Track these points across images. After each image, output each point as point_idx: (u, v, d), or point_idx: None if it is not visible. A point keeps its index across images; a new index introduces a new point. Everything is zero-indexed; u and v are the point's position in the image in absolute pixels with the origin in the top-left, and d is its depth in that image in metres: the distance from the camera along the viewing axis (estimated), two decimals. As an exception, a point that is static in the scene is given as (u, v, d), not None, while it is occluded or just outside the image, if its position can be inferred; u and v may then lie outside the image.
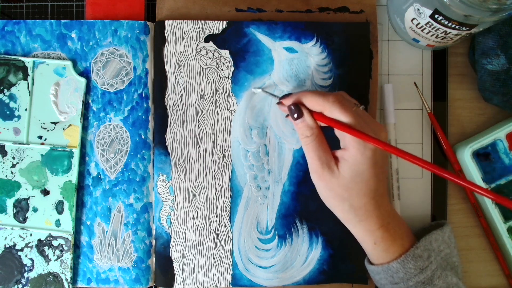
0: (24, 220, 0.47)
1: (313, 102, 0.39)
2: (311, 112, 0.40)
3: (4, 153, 0.47)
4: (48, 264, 0.46)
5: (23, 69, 0.47)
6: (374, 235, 0.39)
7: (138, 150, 0.47)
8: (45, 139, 0.47)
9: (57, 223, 0.46)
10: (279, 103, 0.44)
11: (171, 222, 0.47)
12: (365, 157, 0.37)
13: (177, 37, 0.47)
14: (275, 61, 0.47)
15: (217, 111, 0.47)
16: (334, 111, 0.38)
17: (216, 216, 0.47)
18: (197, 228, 0.47)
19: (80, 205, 0.47)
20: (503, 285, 0.49)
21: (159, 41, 0.47)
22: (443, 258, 0.41)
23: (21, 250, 0.47)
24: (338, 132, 0.40)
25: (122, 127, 0.47)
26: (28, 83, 0.47)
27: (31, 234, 0.47)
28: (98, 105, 0.47)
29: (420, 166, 0.36)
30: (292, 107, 0.40)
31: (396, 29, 0.48)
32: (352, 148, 0.38)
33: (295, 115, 0.40)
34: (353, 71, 0.47)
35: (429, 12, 0.40)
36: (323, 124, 0.40)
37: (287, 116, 0.43)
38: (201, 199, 0.47)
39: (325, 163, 0.39)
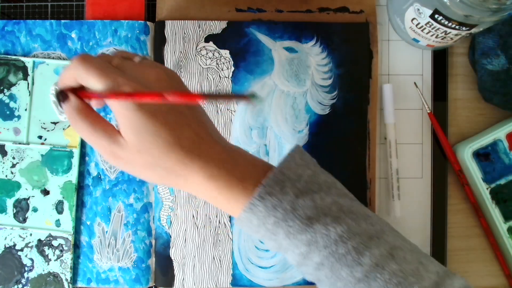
0: (24, 220, 0.47)
1: (69, 79, 0.33)
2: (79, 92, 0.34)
3: (4, 153, 0.47)
4: (48, 264, 0.46)
5: (23, 69, 0.47)
6: (208, 191, 0.33)
7: (138, 150, 0.47)
8: (45, 139, 0.47)
9: (57, 223, 0.46)
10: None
11: (171, 222, 0.47)
12: (130, 113, 0.31)
13: (177, 37, 0.47)
14: (275, 61, 0.47)
15: (217, 111, 0.47)
16: (85, 81, 0.32)
17: (216, 216, 0.47)
18: (197, 228, 0.47)
19: (80, 205, 0.47)
20: (503, 285, 0.49)
21: (159, 41, 0.47)
22: (307, 181, 0.33)
23: (21, 250, 0.46)
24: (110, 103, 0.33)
25: (122, 127, 0.47)
26: (28, 83, 0.47)
27: (31, 234, 0.46)
28: (98, 105, 0.47)
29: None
30: (59, 96, 0.34)
31: (396, 29, 0.48)
32: (115, 111, 0.32)
33: (61, 102, 0.34)
34: (353, 71, 0.47)
35: (429, 12, 0.40)
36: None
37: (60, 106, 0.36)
38: (201, 199, 0.47)
39: (109, 138, 0.32)
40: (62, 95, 0.34)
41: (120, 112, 0.31)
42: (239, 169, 0.33)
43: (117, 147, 0.32)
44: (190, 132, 0.32)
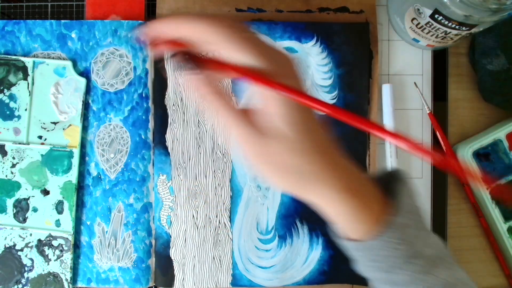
0: (24, 220, 0.47)
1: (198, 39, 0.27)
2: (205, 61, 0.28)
3: (4, 153, 0.47)
4: (48, 264, 0.46)
5: (23, 69, 0.47)
6: (344, 206, 0.30)
7: (138, 150, 0.47)
8: (45, 139, 0.47)
9: (57, 223, 0.46)
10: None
11: (171, 222, 0.47)
12: (291, 108, 0.27)
13: (177, 37, 0.47)
14: (275, 61, 0.47)
15: (217, 111, 0.47)
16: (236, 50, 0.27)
17: (216, 216, 0.47)
18: (197, 228, 0.47)
19: (80, 205, 0.47)
20: (503, 285, 0.49)
21: (159, 41, 0.47)
22: (420, 214, 0.33)
23: (21, 250, 0.46)
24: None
25: (122, 127, 0.47)
26: (28, 83, 0.47)
27: (31, 234, 0.46)
28: (98, 105, 0.47)
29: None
30: (181, 58, 0.28)
31: (396, 29, 0.48)
32: (278, 100, 0.27)
33: (188, 67, 0.28)
34: (353, 71, 0.47)
35: (429, 12, 0.40)
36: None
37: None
38: (201, 199, 0.47)
39: (257, 131, 0.28)
40: (187, 59, 0.27)
41: (281, 105, 0.27)
42: (367, 185, 0.31)
43: (267, 142, 0.28)
44: (328, 139, 0.30)
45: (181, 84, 0.47)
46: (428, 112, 0.48)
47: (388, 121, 0.48)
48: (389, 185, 0.32)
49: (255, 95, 0.28)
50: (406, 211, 0.31)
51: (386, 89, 0.48)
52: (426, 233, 0.32)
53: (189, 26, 0.27)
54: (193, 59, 0.27)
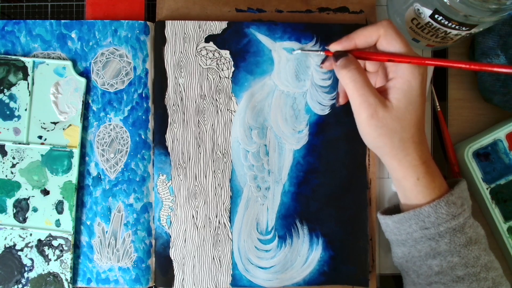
0: (24, 220, 0.47)
1: (364, 37, 0.39)
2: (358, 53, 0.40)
3: (4, 153, 0.47)
4: (48, 264, 0.46)
5: (23, 69, 0.47)
6: (418, 170, 0.39)
7: (138, 150, 0.47)
8: (45, 139, 0.47)
9: (57, 223, 0.46)
10: (324, 57, 0.44)
11: (171, 222, 0.47)
12: (418, 82, 0.37)
13: (178, 37, 0.47)
14: (275, 62, 0.47)
15: (217, 111, 0.47)
16: (390, 40, 0.38)
17: (216, 216, 0.47)
18: (197, 228, 0.47)
19: (80, 205, 0.47)
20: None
21: (160, 41, 0.47)
22: (470, 206, 0.41)
23: (21, 250, 0.46)
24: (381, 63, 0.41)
25: (122, 127, 0.47)
26: (28, 83, 0.47)
27: (31, 234, 0.46)
28: (98, 105, 0.47)
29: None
30: (337, 54, 0.40)
31: (396, 29, 0.48)
32: (405, 75, 0.37)
33: (337, 58, 0.39)
34: (353, 71, 0.47)
35: (429, 12, 0.40)
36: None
37: (322, 63, 0.45)
38: (201, 199, 0.47)
39: (377, 98, 0.37)
40: (341, 53, 0.39)
41: (405, 83, 0.37)
42: (433, 164, 0.40)
43: (381, 109, 0.37)
44: (424, 120, 0.39)
45: (181, 84, 0.47)
46: (438, 110, 0.48)
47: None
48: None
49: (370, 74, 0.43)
50: (461, 197, 0.39)
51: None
52: (472, 220, 0.40)
53: (364, 32, 0.39)
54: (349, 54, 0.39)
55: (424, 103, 0.38)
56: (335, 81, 0.47)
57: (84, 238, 0.47)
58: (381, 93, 0.38)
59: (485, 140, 0.47)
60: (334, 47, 0.40)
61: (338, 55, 0.39)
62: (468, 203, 0.40)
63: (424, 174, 0.39)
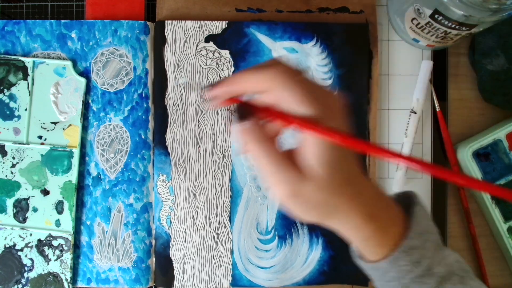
0: (24, 220, 0.47)
1: (251, 84, 0.29)
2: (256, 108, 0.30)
3: (4, 153, 0.47)
4: (48, 264, 0.46)
5: (23, 69, 0.47)
6: (364, 230, 0.32)
7: (138, 150, 0.47)
8: (45, 139, 0.47)
9: (57, 223, 0.46)
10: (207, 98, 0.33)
11: (171, 222, 0.47)
12: (327, 148, 0.29)
13: (178, 37, 0.47)
14: (275, 61, 0.47)
15: (217, 111, 0.47)
16: (283, 98, 0.28)
17: (216, 216, 0.47)
18: (197, 228, 0.47)
19: (80, 205, 0.47)
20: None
21: (160, 41, 0.47)
22: (436, 233, 0.34)
23: (21, 250, 0.46)
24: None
25: (122, 127, 0.47)
26: (28, 83, 0.47)
27: (31, 234, 0.46)
28: (98, 105, 0.47)
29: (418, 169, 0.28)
30: (236, 108, 0.30)
31: (396, 29, 0.48)
32: (312, 140, 0.29)
33: (238, 117, 0.30)
34: (353, 71, 0.47)
35: (429, 12, 0.40)
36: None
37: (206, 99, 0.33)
38: (201, 199, 0.47)
39: (293, 172, 0.29)
40: (239, 110, 0.29)
41: (315, 145, 0.29)
42: (389, 208, 0.33)
43: (301, 183, 0.29)
44: (353, 167, 0.31)
45: (181, 84, 0.47)
46: (438, 110, 0.48)
47: (419, 95, 0.48)
48: (405, 206, 0.34)
49: (295, 136, 0.29)
50: (421, 233, 0.33)
51: (425, 65, 0.47)
52: (441, 252, 0.34)
53: (247, 80, 0.29)
54: (243, 109, 0.30)
55: (346, 152, 0.30)
56: (336, 81, 0.47)
57: (84, 238, 0.47)
58: (292, 158, 0.30)
59: (485, 140, 0.47)
60: (217, 91, 0.30)
61: (239, 114, 0.30)
62: (432, 231, 0.34)
63: (373, 232, 0.32)
